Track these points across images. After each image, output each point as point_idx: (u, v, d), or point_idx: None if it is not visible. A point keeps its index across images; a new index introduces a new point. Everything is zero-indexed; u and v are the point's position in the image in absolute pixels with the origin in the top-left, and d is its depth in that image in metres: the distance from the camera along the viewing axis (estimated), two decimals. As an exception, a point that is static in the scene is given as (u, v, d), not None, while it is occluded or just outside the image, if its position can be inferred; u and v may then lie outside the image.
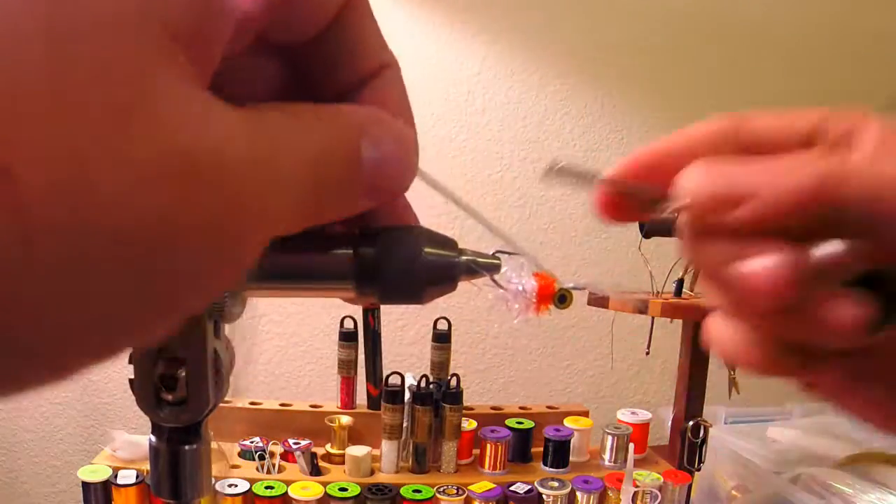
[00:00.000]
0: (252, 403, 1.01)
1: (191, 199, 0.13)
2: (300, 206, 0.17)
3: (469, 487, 0.90)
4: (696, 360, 0.99)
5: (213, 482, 0.85)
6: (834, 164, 0.19)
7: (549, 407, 1.07)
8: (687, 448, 0.99)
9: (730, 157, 0.21)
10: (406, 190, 0.20)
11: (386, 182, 0.19)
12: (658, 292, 0.99)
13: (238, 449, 0.95)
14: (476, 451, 0.99)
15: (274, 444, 0.95)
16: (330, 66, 0.20)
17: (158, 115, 0.13)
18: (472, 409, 1.03)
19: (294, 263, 0.22)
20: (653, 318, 0.98)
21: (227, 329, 0.25)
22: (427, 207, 0.23)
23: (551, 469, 0.97)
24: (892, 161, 0.19)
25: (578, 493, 0.92)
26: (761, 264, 0.19)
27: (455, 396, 0.94)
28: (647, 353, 1.06)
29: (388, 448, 0.94)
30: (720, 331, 0.22)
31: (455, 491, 0.89)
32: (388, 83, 0.21)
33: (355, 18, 0.19)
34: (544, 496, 0.91)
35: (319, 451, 0.96)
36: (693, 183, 0.20)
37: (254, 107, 0.16)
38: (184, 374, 0.23)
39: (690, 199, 0.20)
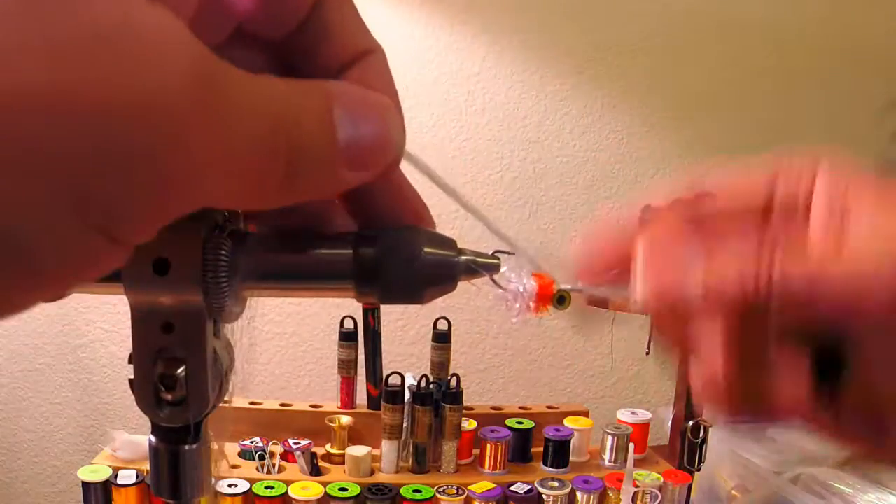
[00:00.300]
0: (252, 403, 1.01)
1: (104, 77, 0.12)
2: (266, 165, 0.15)
3: (469, 487, 0.90)
4: (696, 360, 0.99)
5: (213, 482, 0.85)
6: (770, 264, 0.20)
7: (549, 407, 1.07)
8: (687, 448, 0.99)
9: (677, 242, 0.22)
10: (393, 164, 0.19)
11: (367, 151, 0.18)
12: (658, 292, 0.99)
13: (238, 449, 0.95)
14: (476, 451, 0.99)
15: (274, 444, 0.95)
16: (311, 55, 0.20)
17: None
18: (472, 409, 1.03)
19: (294, 263, 0.22)
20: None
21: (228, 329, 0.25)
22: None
23: (551, 469, 0.97)
24: (830, 255, 0.20)
25: (578, 493, 0.92)
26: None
27: (455, 396, 0.94)
28: (647, 353, 1.06)
29: (388, 448, 0.94)
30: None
31: (455, 491, 0.89)
32: (370, 67, 0.20)
33: (333, 5, 0.19)
34: (544, 496, 0.91)
35: (319, 451, 0.96)
36: (641, 292, 0.22)
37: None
38: (184, 374, 0.23)
39: (643, 306, 0.22)
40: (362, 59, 0.20)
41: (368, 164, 0.18)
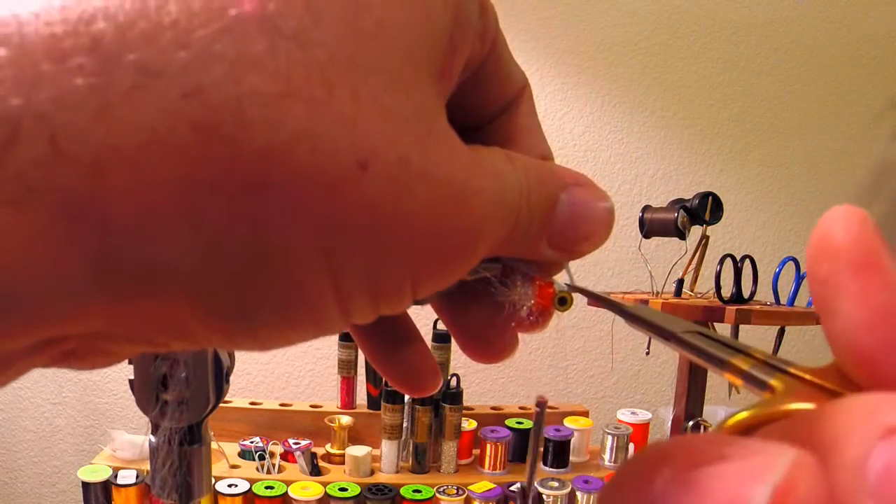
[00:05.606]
0: (252, 403, 1.01)
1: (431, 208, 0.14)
2: (506, 229, 0.17)
3: (469, 487, 0.90)
4: (696, 360, 0.99)
5: (213, 482, 0.85)
6: None
7: (549, 407, 1.07)
8: (687, 448, 0.99)
9: None
10: (582, 255, 0.20)
11: (569, 239, 0.19)
12: (658, 292, 0.99)
13: (238, 449, 0.95)
14: (476, 451, 0.99)
15: (274, 444, 0.95)
16: (481, 95, 0.20)
17: (435, 153, 0.14)
18: (472, 409, 1.03)
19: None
20: (653, 318, 0.98)
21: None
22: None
23: (551, 469, 0.97)
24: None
25: (578, 493, 0.92)
26: None
27: (455, 396, 0.94)
28: (647, 353, 1.06)
29: (388, 448, 0.94)
30: None
31: (455, 491, 0.89)
32: (528, 108, 0.21)
33: (502, 44, 0.19)
34: (544, 496, 0.91)
35: (319, 451, 0.96)
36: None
37: (474, 147, 0.17)
38: (184, 374, 0.23)
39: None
40: (520, 96, 0.20)
41: (565, 250, 0.19)
